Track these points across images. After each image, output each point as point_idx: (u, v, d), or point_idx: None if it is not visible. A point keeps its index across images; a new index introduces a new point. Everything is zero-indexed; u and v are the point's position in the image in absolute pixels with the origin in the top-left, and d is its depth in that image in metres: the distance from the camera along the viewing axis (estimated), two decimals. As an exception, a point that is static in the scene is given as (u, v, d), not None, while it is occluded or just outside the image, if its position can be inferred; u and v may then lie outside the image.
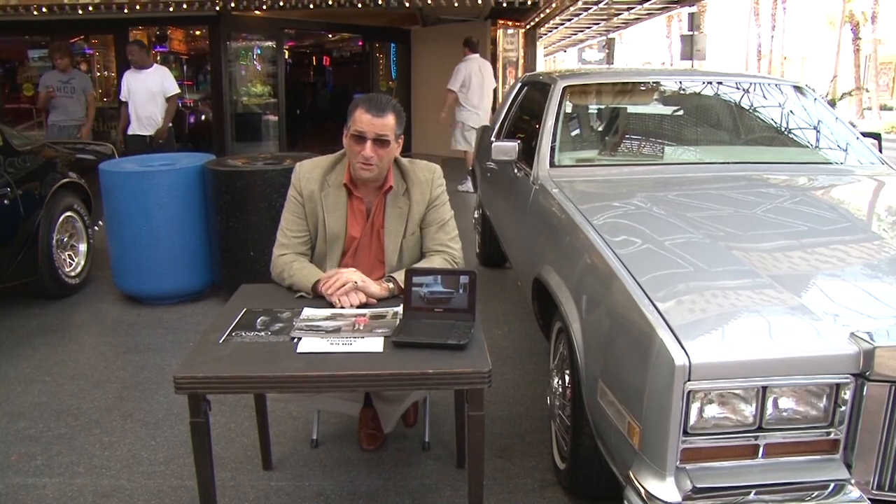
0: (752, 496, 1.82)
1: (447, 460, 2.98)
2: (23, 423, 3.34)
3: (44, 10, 9.01)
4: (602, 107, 4.37)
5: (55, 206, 5.05)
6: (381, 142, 2.51)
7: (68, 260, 5.24)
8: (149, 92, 7.03)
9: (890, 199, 3.32)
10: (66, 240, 5.22)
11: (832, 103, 17.25)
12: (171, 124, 7.24)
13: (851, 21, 29.73)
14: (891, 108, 27.70)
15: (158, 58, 10.32)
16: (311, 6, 9.49)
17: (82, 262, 5.37)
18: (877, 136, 4.10)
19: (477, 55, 8.88)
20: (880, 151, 3.89)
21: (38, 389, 3.69)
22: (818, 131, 3.95)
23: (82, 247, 5.41)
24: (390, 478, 2.87)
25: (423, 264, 2.61)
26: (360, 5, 9.34)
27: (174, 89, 7.21)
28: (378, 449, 3.05)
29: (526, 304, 3.46)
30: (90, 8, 9.03)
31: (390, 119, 2.52)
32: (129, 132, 7.14)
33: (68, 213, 5.23)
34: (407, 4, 9.53)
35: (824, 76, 30.11)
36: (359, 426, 3.09)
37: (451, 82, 8.71)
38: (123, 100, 7.16)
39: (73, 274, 5.22)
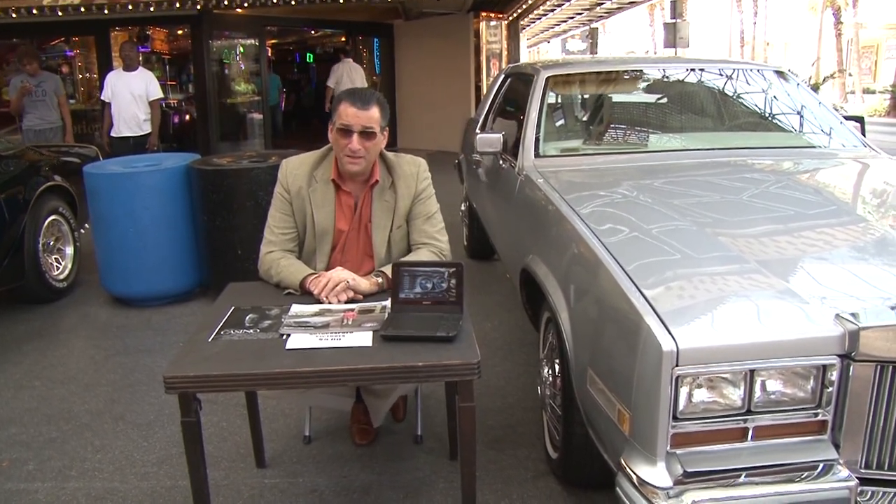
0: (742, 478, 1.83)
1: (440, 453, 2.98)
2: (13, 428, 3.33)
3: (23, 11, 8.93)
4: (586, 96, 4.37)
5: (40, 209, 5.02)
6: (367, 134, 2.52)
7: (55, 264, 5.21)
8: (132, 94, 7.02)
9: (874, 181, 3.34)
10: (52, 243, 5.20)
11: (815, 87, 17.32)
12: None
13: (833, 6, 29.80)
14: (874, 92, 27.80)
15: (141, 58, 10.27)
16: (293, 3, 9.46)
17: (69, 266, 5.35)
18: (860, 120, 4.12)
19: (349, 59, 11.23)
20: (863, 134, 3.91)
21: (28, 395, 3.67)
22: (801, 116, 3.97)
23: (69, 250, 5.38)
24: (384, 472, 2.87)
25: (410, 257, 2.62)
26: (341, 0, 9.32)
27: (157, 93, 7.21)
28: (371, 443, 3.05)
29: (515, 295, 3.47)
30: (70, 9, 8.97)
31: (375, 111, 2.53)
32: (113, 134, 7.14)
33: (54, 217, 5.20)
34: (389, -1, 9.53)
35: (807, 61, 30.21)
36: (351, 421, 3.10)
37: (329, 80, 10.95)
38: (105, 100, 7.14)
39: (60, 278, 5.19)
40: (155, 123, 7.21)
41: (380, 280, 2.51)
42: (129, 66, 7.20)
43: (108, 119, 7.19)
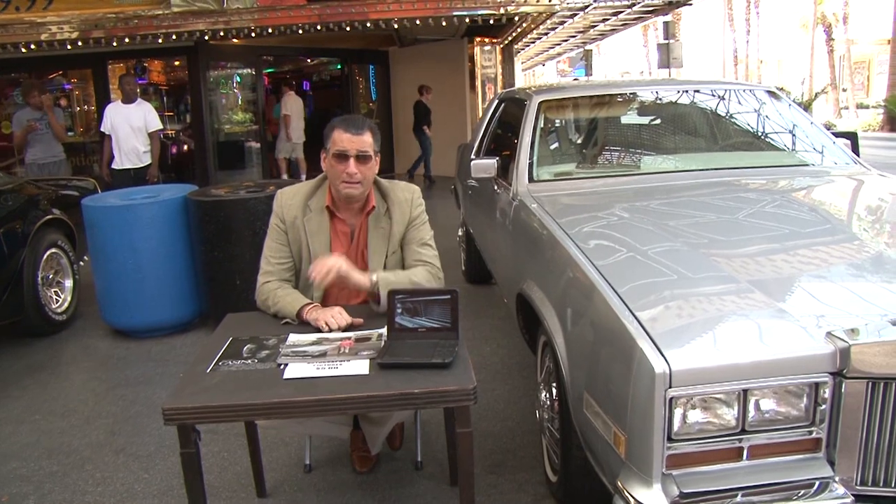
0: (739, 498, 1.84)
1: (441, 478, 2.99)
2: (14, 463, 3.33)
3: (21, 47, 9.02)
4: (578, 120, 4.41)
5: (39, 243, 5.05)
6: (362, 157, 2.58)
7: (54, 297, 5.23)
8: (131, 126, 7.08)
9: (864, 198, 3.36)
10: (51, 276, 5.22)
11: (807, 105, 17.42)
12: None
13: (824, 23, 30.10)
14: (867, 107, 27.98)
15: (139, 90, 10.37)
16: (288, 32, 9.56)
17: (69, 298, 5.37)
18: (852, 136, 4.14)
19: (293, 92, 11.91)
20: (855, 150, 3.94)
21: (28, 429, 3.68)
22: (793, 134, 4.00)
23: (68, 283, 5.41)
24: (385, 499, 2.87)
25: (407, 274, 2.64)
26: (335, 29, 9.42)
27: (157, 124, 7.27)
28: (371, 470, 3.05)
29: (513, 319, 3.48)
30: (68, 45, 9.05)
31: (368, 136, 2.62)
32: (114, 166, 7.19)
33: (53, 250, 5.23)
34: (383, 26, 9.62)
35: (801, 78, 30.43)
36: (351, 449, 3.10)
37: (284, 110, 11.58)
38: (105, 132, 7.20)
39: (59, 310, 5.21)
40: (155, 155, 7.27)
41: (374, 278, 2.54)
42: (127, 99, 7.27)
43: (107, 151, 7.24)
